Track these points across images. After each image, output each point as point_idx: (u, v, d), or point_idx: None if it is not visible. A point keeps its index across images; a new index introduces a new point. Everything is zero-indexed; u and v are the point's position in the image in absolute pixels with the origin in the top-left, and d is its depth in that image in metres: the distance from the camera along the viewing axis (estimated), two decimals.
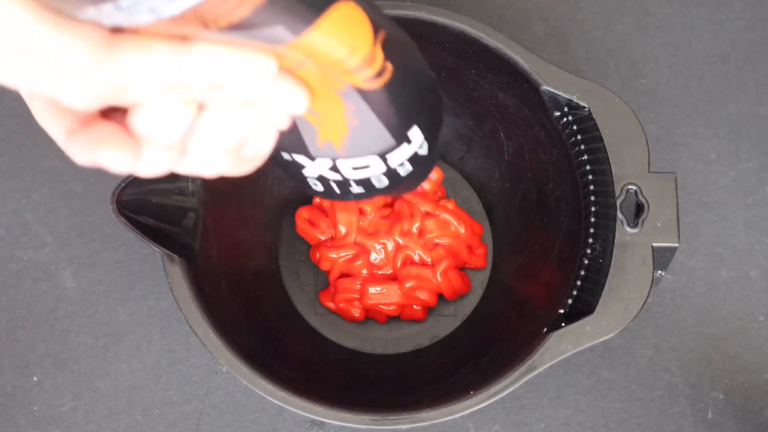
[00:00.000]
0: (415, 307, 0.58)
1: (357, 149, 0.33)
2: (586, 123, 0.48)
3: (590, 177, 0.48)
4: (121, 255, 0.60)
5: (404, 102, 0.33)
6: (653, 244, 0.46)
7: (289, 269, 0.59)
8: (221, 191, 0.52)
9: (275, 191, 0.59)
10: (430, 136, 0.35)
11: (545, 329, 0.45)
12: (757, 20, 0.65)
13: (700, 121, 0.62)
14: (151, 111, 0.27)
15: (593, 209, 0.47)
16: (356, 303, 0.57)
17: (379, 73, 0.30)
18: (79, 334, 0.58)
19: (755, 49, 0.64)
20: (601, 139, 0.47)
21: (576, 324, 0.45)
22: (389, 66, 0.30)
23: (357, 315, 0.57)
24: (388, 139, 0.33)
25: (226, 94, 0.27)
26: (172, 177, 0.48)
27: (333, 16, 0.27)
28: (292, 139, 0.33)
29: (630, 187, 0.46)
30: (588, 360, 0.57)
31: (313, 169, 0.35)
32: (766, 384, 0.57)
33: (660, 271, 0.49)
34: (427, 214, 0.57)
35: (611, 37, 0.64)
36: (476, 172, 0.60)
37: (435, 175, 0.60)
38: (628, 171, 0.47)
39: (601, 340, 0.45)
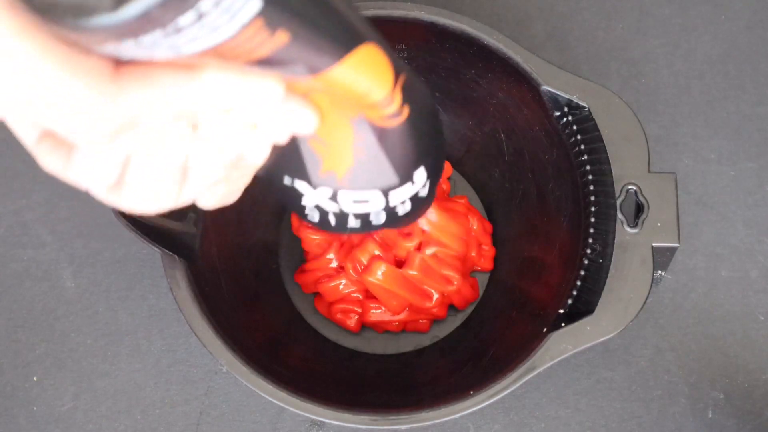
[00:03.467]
0: (420, 321, 0.57)
1: (359, 182, 0.34)
2: (586, 123, 0.48)
3: (590, 177, 0.48)
4: (121, 255, 0.60)
5: (415, 144, 0.33)
6: (653, 244, 0.46)
7: (289, 269, 0.59)
8: None
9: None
10: (432, 179, 0.36)
11: (545, 329, 0.45)
12: (757, 20, 0.65)
13: (700, 121, 0.62)
14: (146, 142, 0.26)
15: (593, 209, 0.47)
16: (353, 315, 0.57)
17: (397, 114, 0.31)
18: (79, 334, 0.58)
19: (755, 49, 0.64)
20: (601, 139, 0.47)
21: (576, 324, 0.45)
22: (406, 109, 0.31)
23: (352, 326, 0.57)
24: (393, 177, 0.34)
25: (233, 118, 0.27)
26: None
27: (356, 57, 0.27)
28: (294, 164, 0.33)
29: (630, 187, 0.46)
30: (588, 360, 0.57)
31: (312, 198, 0.35)
32: (766, 384, 0.57)
33: (660, 271, 0.49)
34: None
35: (611, 37, 0.64)
36: (476, 172, 0.60)
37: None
38: (628, 171, 0.47)
39: (601, 340, 0.45)
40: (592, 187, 0.48)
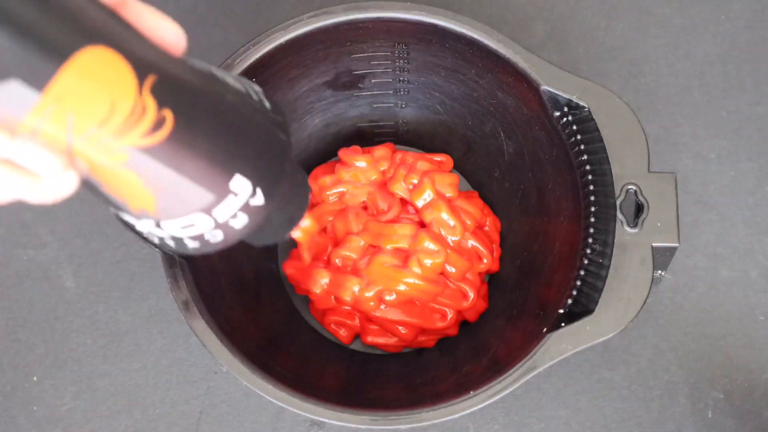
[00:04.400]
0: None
1: (173, 211, 0.30)
2: (585, 123, 0.48)
3: (590, 177, 0.48)
4: (121, 255, 0.60)
5: (208, 150, 0.29)
6: (653, 244, 0.46)
7: None
8: None
9: None
10: (263, 183, 0.31)
11: (545, 329, 0.45)
12: (757, 20, 0.65)
13: (700, 121, 0.62)
14: None
15: (593, 209, 0.47)
16: (345, 328, 0.56)
17: (157, 125, 0.26)
18: (79, 334, 0.58)
19: (755, 49, 0.64)
20: (600, 139, 0.47)
21: (576, 324, 0.45)
22: (168, 114, 0.26)
23: (344, 336, 0.56)
24: (205, 195, 0.30)
25: None
26: None
27: (72, 72, 0.23)
28: (108, 202, 0.30)
29: (630, 187, 0.46)
30: (588, 360, 0.57)
31: (142, 227, 0.32)
32: (766, 384, 0.57)
33: (660, 271, 0.49)
34: (451, 202, 0.56)
35: (611, 37, 0.64)
36: (476, 172, 0.60)
37: (450, 179, 0.57)
38: (628, 171, 0.47)
39: (601, 340, 0.45)
40: (592, 187, 0.48)
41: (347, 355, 0.57)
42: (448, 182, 0.56)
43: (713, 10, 0.65)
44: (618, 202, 0.46)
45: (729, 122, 0.62)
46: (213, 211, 0.30)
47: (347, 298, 0.53)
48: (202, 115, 0.28)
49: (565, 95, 0.48)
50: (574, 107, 0.48)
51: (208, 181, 0.29)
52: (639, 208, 0.46)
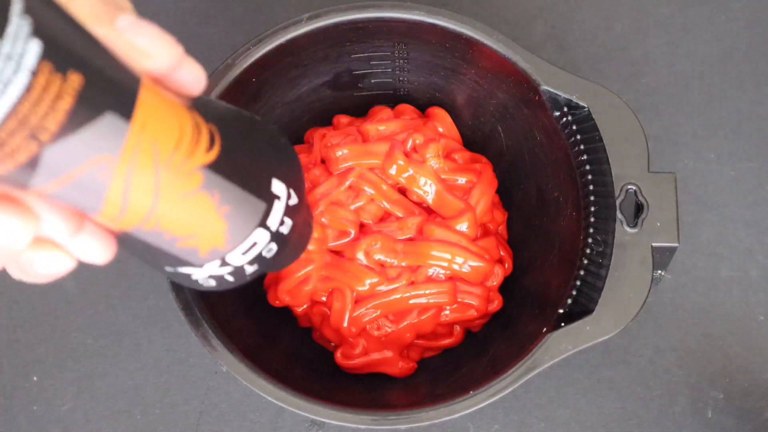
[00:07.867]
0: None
1: (239, 234, 0.32)
2: (585, 123, 0.48)
3: (590, 177, 0.48)
4: (121, 255, 0.59)
5: (251, 159, 0.31)
6: (653, 244, 0.46)
7: None
8: None
9: None
10: (292, 182, 0.33)
11: (545, 329, 0.45)
12: (757, 20, 0.65)
13: (700, 121, 0.62)
14: None
15: (593, 209, 0.47)
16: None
17: (211, 140, 0.29)
18: (79, 334, 0.58)
19: (755, 49, 0.64)
20: (600, 139, 0.47)
21: (576, 324, 0.45)
22: (213, 128, 0.29)
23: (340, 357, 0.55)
24: (259, 204, 0.31)
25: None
26: None
27: (143, 109, 0.25)
28: (170, 259, 0.31)
29: (630, 187, 0.46)
30: (588, 360, 0.57)
31: (202, 273, 0.33)
32: (766, 384, 0.57)
33: (660, 271, 0.49)
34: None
35: (611, 37, 0.64)
36: None
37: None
38: (627, 171, 0.47)
39: (601, 339, 0.45)
40: (592, 187, 0.48)
41: None
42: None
43: (713, 10, 0.65)
44: (618, 202, 0.46)
45: (729, 122, 0.62)
46: (267, 220, 0.32)
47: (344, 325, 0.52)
48: (237, 128, 0.31)
49: (564, 95, 0.48)
50: (573, 107, 0.48)
51: (258, 189, 0.31)
52: (639, 208, 0.46)
